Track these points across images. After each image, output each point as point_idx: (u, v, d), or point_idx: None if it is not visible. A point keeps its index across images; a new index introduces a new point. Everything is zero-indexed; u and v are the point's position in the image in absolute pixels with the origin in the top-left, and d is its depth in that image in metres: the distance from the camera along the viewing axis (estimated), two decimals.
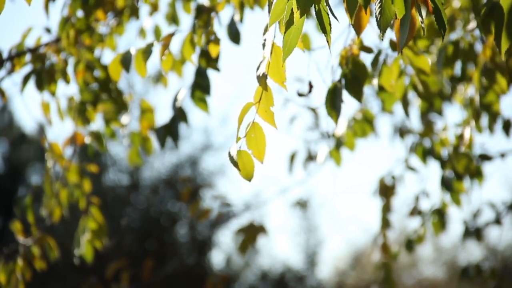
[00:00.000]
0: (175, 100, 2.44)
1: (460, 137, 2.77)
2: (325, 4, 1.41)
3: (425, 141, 3.38)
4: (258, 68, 1.56)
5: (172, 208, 10.48)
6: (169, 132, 2.44)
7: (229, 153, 1.54)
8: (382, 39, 1.38)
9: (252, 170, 1.54)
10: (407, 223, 11.25)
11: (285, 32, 1.41)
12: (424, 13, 1.79)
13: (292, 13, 1.40)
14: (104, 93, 2.78)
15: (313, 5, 1.39)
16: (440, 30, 1.38)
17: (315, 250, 12.01)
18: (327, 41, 1.43)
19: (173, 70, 2.65)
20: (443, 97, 3.22)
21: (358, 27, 1.58)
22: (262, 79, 1.54)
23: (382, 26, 1.35)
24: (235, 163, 1.53)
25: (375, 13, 1.35)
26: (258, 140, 1.54)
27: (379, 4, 1.34)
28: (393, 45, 2.09)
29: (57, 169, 3.03)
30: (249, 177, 1.54)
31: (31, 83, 2.77)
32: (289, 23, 1.41)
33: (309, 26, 3.57)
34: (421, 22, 1.38)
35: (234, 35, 2.46)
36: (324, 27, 1.42)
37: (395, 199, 3.62)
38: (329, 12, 1.41)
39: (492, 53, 2.27)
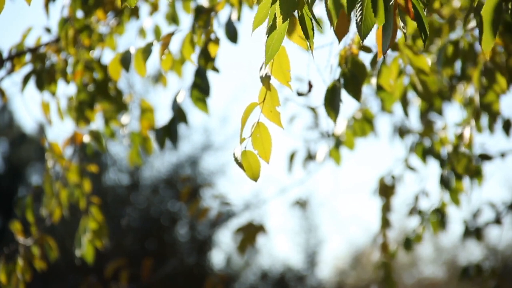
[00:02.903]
0: (175, 101, 2.44)
1: (460, 137, 2.77)
2: (308, 9, 1.41)
3: (425, 140, 3.38)
4: (261, 69, 1.56)
5: (172, 208, 10.48)
6: (168, 134, 2.44)
7: (234, 154, 1.54)
8: (362, 44, 1.38)
9: (258, 170, 1.53)
10: (407, 222, 11.26)
11: (268, 37, 1.41)
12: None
13: (275, 18, 1.40)
14: (101, 94, 2.78)
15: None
16: (421, 36, 1.38)
17: (315, 250, 12.01)
18: (310, 47, 1.43)
19: (173, 70, 2.65)
20: (443, 96, 3.22)
21: (340, 32, 1.58)
22: (265, 80, 1.53)
23: (363, 33, 1.35)
24: (240, 164, 1.53)
25: (356, 20, 1.35)
26: (264, 140, 1.54)
27: (360, 12, 1.34)
28: (392, 45, 2.09)
29: (57, 169, 3.03)
30: (255, 177, 1.54)
31: (31, 83, 2.78)
32: (272, 27, 1.40)
33: None
34: (403, 27, 1.38)
35: (232, 34, 2.46)
36: (306, 32, 1.42)
37: (395, 199, 3.62)
38: (312, 18, 1.42)
39: (492, 53, 2.27)
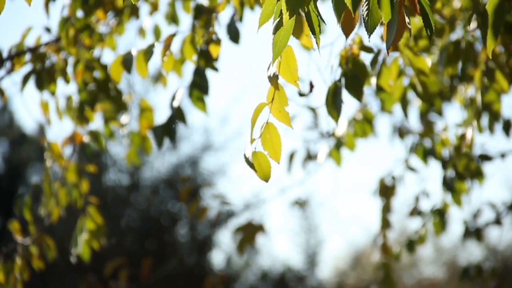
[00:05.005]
0: (173, 100, 2.44)
1: (462, 137, 2.77)
2: (314, 5, 1.41)
3: (425, 141, 3.37)
4: (268, 68, 1.55)
5: (172, 208, 10.48)
6: (166, 132, 2.44)
7: (245, 155, 1.53)
8: (369, 41, 1.38)
9: (269, 170, 1.53)
10: (407, 223, 11.26)
11: (274, 33, 1.41)
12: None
13: (281, 14, 1.39)
14: (102, 93, 2.78)
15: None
16: (427, 31, 1.38)
17: (315, 250, 12.00)
18: (317, 43, 1.43)
19: (173, 70, 2.65)
20: (443, 97, 3.21)
21: (347, 28, 1.58)
22: (273, 79, 1.53)
23: (369, 28, 1.35)
24: (251, 165, 1.52)
25: (363, 16, 1.35)
26: (274, 140, 1.53)
27: (366, 7, 1.34)
28: (399, 41, 2.08)
29: (56, 168, 3.03)
30: (266, 178, 1.54)
31: (31, 83, 2.77)
32: (279, 24, 1.40)
33: None
34: (408, 24, 1.38)
35: (234, 35, 2.46)
36: (313, 29, 1.42)
37: (395, 200, 3.61)
38: (318, 14, 1.41)
39: (493, 53, 2.27)
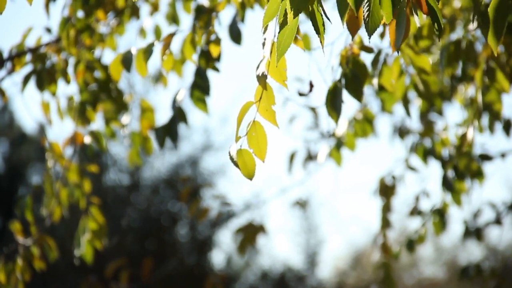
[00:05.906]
0: (175, 100, 2.44)
1: (463, 137, 2.77)
2: (318, 5, 1.41)
3: (425, 141, 3.37)
4: (257, 68, 1.56)
5: (173, 208, 10.48)
6: (168, 133, 2.44)
7: (229, 152, 1.54)
8: (370, 41, 1.38)
9: (254, 169, 1.53)
10: (408, 223, 11.26)
11: (279, 32, 1.42)
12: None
13: (286, 13, 1.40)
14: (103, 93, 2.78)
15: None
16: (436, 28, 1.38)
17: (315, 250, 12.01)
18: (321, 42, 1.43)
19: (173, 70, 2.65)
20: (444, 97, 3.21)
21: (352, 28, 1.58)
22: (261, 79, 1.53)
23: (370, 29, 1.35)
24: (235, 163, 1.53)
25: (364, 16, 1.35)
26: (259, 138, 1.53)
27: (367, 8, 1.34)
28: (405, 40, 2.08)
29: (57, 169, 3.03)
30: (250, 176, 1.53)
31: (32, 83, 2.77)
32: (283, 23, 1.41)
33: (309, 26, 3.55)
34: (417, 22, 1.38)
35: (236, 35, 2.46)
36: (317, 28, 1.42)
37: (395, 199, 3.61)
38: (323, 13, 1.41)
39: (493, 53, 2.27)
